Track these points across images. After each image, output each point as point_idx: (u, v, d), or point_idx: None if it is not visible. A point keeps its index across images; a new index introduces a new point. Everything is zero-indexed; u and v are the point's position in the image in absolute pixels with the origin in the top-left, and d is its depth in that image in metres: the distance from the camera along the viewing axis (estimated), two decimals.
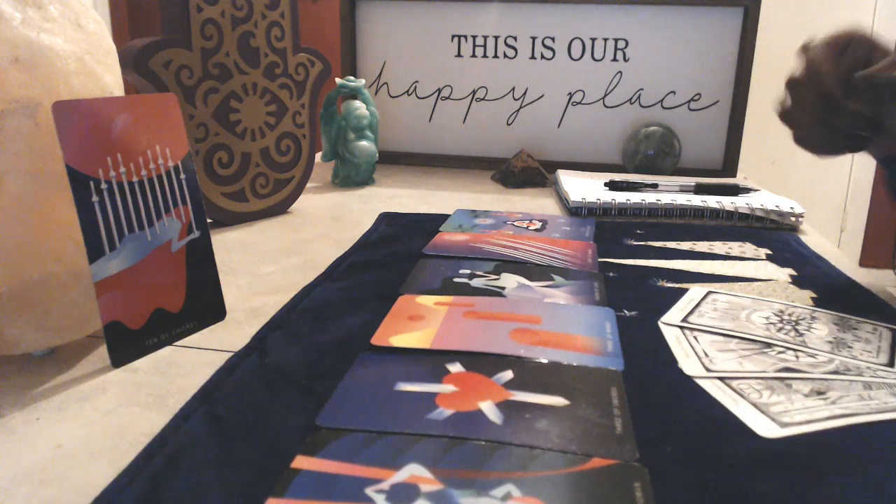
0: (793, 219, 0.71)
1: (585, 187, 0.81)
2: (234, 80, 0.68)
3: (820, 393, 0.35)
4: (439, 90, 1.07)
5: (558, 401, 0.33)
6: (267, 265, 0.58)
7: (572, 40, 1.02)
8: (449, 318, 0.43)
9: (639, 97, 1.02)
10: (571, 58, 1.02)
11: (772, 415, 0.33)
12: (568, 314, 0.45)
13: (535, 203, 0.84)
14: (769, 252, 0.61)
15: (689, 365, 0.38)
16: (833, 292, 0.51)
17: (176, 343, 0.42)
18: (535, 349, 0.39)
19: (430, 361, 0.37)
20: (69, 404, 0.35)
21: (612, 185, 0.81)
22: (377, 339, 0.40)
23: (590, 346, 0.40)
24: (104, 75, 0.40)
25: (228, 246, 0.63)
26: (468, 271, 0.53)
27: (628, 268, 0.56)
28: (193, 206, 0.43)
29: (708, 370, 0.37)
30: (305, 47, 0.75)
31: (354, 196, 0.86)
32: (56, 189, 0.36)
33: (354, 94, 0.91)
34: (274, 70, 0.71)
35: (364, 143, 0.90)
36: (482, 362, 0.37)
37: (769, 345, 0.41)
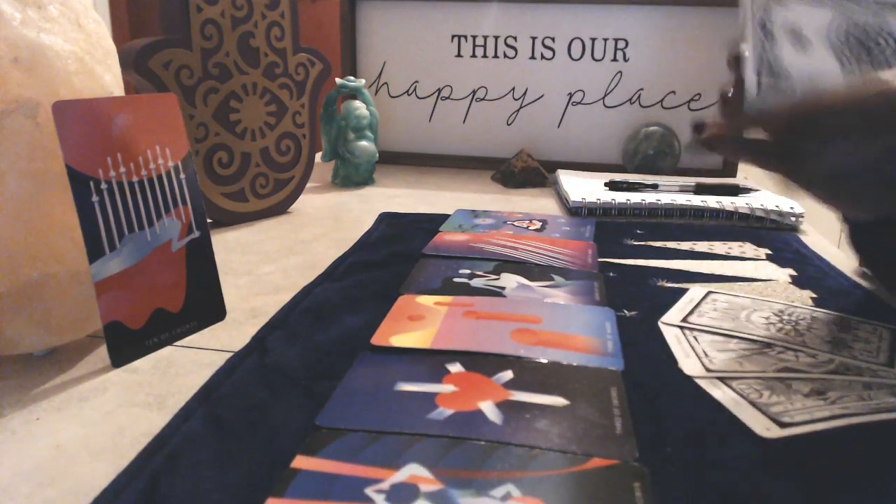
0: (793, 219, 0.71)
1: (585, 187, 0.81)
2: (234, 80, 0.68)
3: (820, 393, 0.35)
4: (439, 90, 1.07)
5: (558, 401, 0.33)
6: (267, 265, 0.58)
7: (572, 40, 1.02)
8: (449, 318, 0.43)
9: (639, 97, 1.02)
10: (571, 58, 1.02)
11: (772, 415, 0.33)
12: (568, 314, 0.45)
13: (535, 203, 0.84)
14: (769, 252, 0.61)
15: (689, 365, 0.38)
16: (833, 292, 0.51)
17: (176, 343, 0.42)
18: (535, 349, 0.39)
19: (430, 361, 0.37)
20: (69, 404, 0.35)
21: (612, 185, 0.81)
22: (377, 339, 0.40)
23: (590, 346, 0.40)
24: (104, 75, 0.40)
25: (228, 246, 0.63)
26: (468, 271, 0.53)
27: (628, 268, 0.56)
28: (193, 206, 0.43)
29: (708, 370, 0.37)
30: (305, 47, 0.75)
31: (354, 196, 0.86)
32: (56, 189, 0.36)
33: (354, 94, 0.91)
34: (274, 70, 0.71)
35: (364, 143, 0.90)
36: (482, 362, 0.37)
37: (769, 345, 0.41)
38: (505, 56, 1.04)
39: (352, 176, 0.92)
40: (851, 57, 0.36)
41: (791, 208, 0.72)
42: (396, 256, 0.57)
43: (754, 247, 0.63)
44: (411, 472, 0.27)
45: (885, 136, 0.33)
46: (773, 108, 0.37)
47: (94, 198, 0.37)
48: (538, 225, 0.68)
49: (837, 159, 0.35)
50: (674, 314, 0.46)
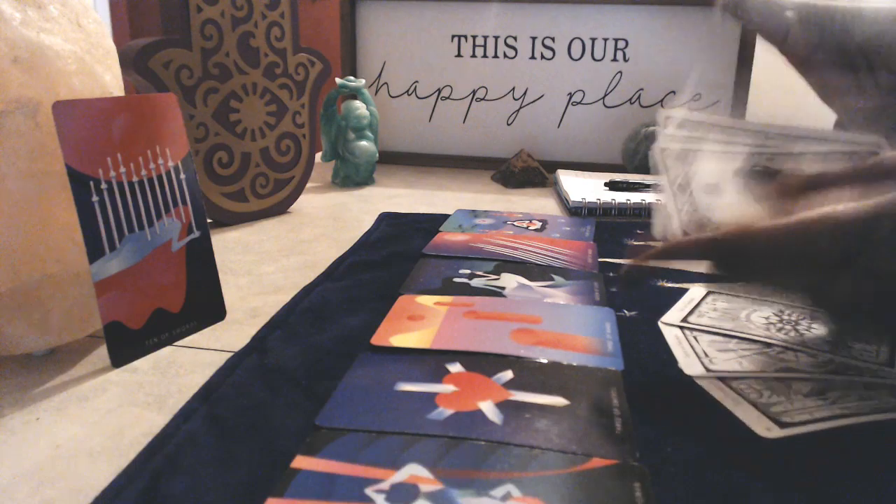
0: None
1: (585, 187, 0.81)
2: (234, 80, 0.68)
3: (820, 393, 0.35)
4: (439, 90, 1.07)
5: (558, 401, 0.33)
6: (267, 265, 0.58)
7: (572, 40, 1.02)
8: (449, 318, 0.43)
9: (639, 97, 1.02)
10: (571, 58, 1.02)
11: (772, 415, 0.33)
12: (568, 314, 0.45)
13: (535, 203, 0.84)
14: None
15: (689, 365, 0.38)
16: None
17: (176, 343, 0.42)
18: (535, 349, 0.39)
19: (430, 361, 0.37)
20: (69, 404, 0.35)
21: (612, 185, 0.81)
22: (377, 339, 0.40)
23: (590, 346, 0.40)
24: (104, 75, 0.40)
25: (228, 246, 0.63)
26: (468, 271, 0.53)
27: None
28: (193, 206, 0.43)
29: (708, 370, 0.37)
30: (305, 47, 0.75)
31: (354, 196, 0.86)
32: (56, 189, 0.36)
33: (354, 94, 0.91)
34: (274, 70, 0.71)
35: (364, 143, 0.90)
36: (482, 362, 0.37)
37: (769, 345, 0.41)
38: (505, 56, 1.04)
39: (352, 176, 0.92)
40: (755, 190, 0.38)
41: None
42: (396, 256, 0.57)
43: None
44: (411, 472, 0.27)
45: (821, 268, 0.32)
46: (698, 238, 0.36)
47: (94, 198, 0.37)
48: (538, 225, 0.68)
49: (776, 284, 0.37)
50: (674, 314, 0.46)
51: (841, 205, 0.31)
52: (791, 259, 0.32)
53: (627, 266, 0.38)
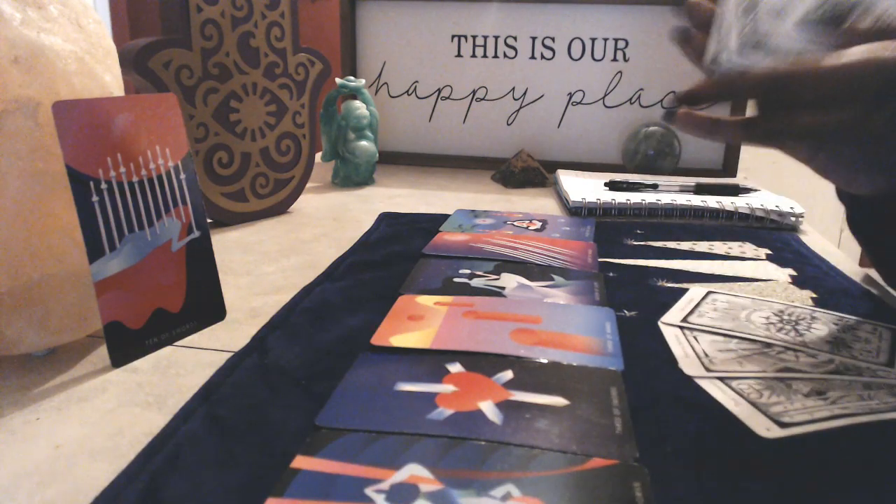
0: (793, 219, 0.71)
1: (585, 187, 0.81)
2: (234, 80, 0.68)
3: (820, 393, 0.35)
4: (439, 90, 1.07)
5: (558, 401, 0.33)
6: (267, 265, 0.58)
7: (572, 40, 1.02)
8: (449, 318, 0.43)
9: (639, 97, 1.02)
10: (571, 58, 1.02)
11: (772, 415, 0.33)
12: (568, 314, 0.45)
13: (535, 203, 0.84)
14: (769, 252, 0.61)
15: (689, 365, 0.38)
16: (833, 292, 0.51)
17: (176, 343, 0.42)
18: (535, 349, 0.39)
19: (430, 361, 0.37)
20: (69, 404, 0.35)
21: (612, 185, 0.81)
22: (377, 339, 0.40)
23: (590, 346, 0.40)
24: (104, 75, 0.40)
25: (228, 246, 0.63)
26: (468, 271, 0.53)
27: (628, 268, 0.56)
28: (193, 206, 0.43)
29: (708, 370, 0.37)
30: (305, 47, 0.75)
31: (354, 196, 0.86)
32: (56, 189, 0.36)
33: (354, 94, 0.91)
34: (274, 70, 0.71)
35: (364, 143, 0.90)
36: (482, 362, 0.37)
37: (769, 345, 0.41)
38: (505, 56, 1.04)
39: (352, 176, 0.92)
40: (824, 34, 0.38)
41: (791, 208, 0.72)
42: (396, 256, 0.57)
43: (754, 247, 0.63)
44: (411, 472, 0.27)
45: (866, 102, 0.35)
46: (751, 72, 0.39)
47: (94, 198, 0.37)
48: (538, 225, 0.68)
49: (819, 126, 0.37)
50: (674, 314, 0.46)
51: (882, 47, 0.34)
52: (835, 94, 0.35)
53: (683, 93, 0.44)
